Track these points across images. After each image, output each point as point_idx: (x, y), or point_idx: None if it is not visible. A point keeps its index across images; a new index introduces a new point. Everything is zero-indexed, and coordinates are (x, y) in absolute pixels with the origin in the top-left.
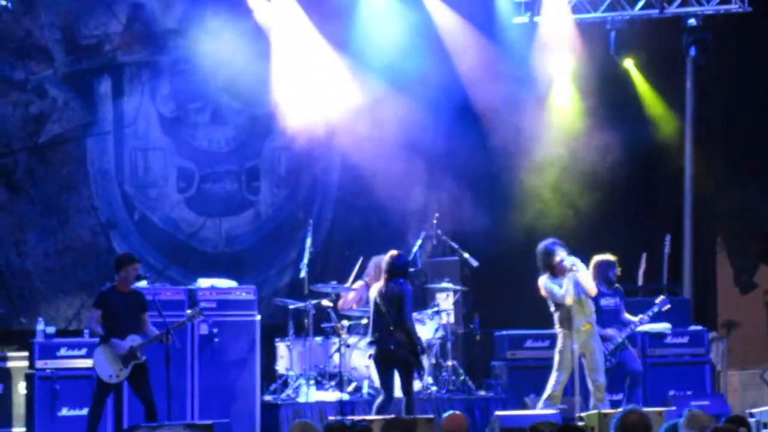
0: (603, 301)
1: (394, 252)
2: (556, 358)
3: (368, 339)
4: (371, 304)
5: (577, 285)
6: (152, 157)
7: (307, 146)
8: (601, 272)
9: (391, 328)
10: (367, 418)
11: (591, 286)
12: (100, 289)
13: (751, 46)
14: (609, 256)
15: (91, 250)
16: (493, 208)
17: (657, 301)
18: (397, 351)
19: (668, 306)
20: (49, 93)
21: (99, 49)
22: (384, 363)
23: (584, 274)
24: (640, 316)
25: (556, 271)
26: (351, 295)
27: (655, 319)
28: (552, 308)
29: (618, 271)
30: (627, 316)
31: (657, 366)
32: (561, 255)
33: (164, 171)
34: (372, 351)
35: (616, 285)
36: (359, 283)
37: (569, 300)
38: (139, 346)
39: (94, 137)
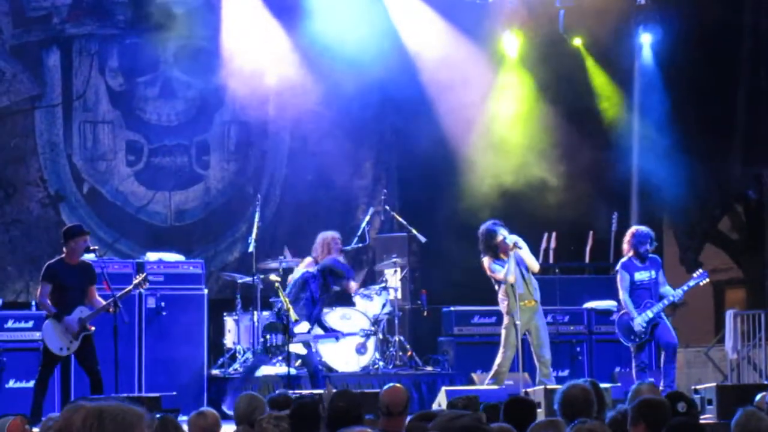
0: (637, 275)
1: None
2: (503, 335)
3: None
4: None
5: (521, 262)
6: (101, 130)
7: (257, 121)
8: (634, 244)
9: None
10: (315, 392)
11: (533, 263)
12: (48, 263)
13: (699, 25)
14: (644, 228)
15: (39, 222)
16: (441, 185)
17: (695, 275)
18: None
19: (707, 280)
20: None
21: (47, 21)
22: None
23: (526, 252)
24: (677, 290)
25: (499, 251)
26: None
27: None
28: (496, 286)
29: (650, 247)
30: (666, 289)
31: (603, 343)
32: (503, 234)
33: (113, 144)
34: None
35: (651, 256)
36: (308, 259)
37: (512, 278)
38: (88, 318)
39: (42, 110)
